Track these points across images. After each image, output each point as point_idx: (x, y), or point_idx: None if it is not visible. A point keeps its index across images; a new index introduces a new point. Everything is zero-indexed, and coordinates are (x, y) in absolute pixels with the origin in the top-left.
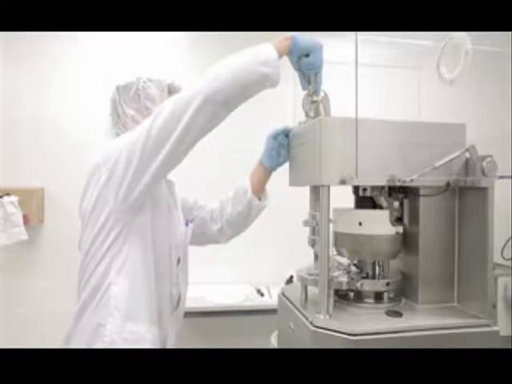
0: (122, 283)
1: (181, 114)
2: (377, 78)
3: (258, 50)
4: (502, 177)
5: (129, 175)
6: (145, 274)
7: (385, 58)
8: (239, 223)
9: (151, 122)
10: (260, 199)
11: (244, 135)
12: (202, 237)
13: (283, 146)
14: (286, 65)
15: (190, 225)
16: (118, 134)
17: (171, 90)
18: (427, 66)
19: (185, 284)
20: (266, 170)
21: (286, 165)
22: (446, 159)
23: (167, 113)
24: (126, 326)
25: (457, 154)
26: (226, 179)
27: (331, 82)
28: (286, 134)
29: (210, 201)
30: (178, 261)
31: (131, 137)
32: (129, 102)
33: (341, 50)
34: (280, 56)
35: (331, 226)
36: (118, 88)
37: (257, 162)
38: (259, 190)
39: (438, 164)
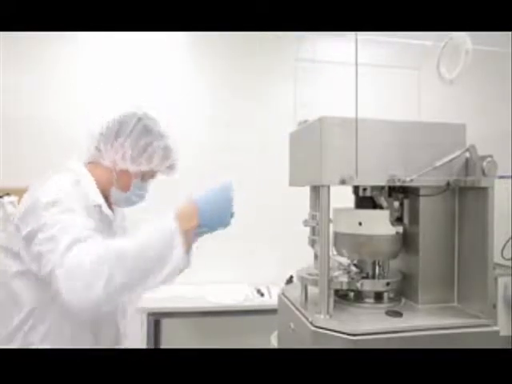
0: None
1: (90, 287)
2: (377, 78)
3: (168, 253)
4: (502, 177)
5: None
6: (73, 336)
7: (385, 58)
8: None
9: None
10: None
11: (244, 135)
12: None
13: (215, 220)
14: (287, 66)
15: None
16: (99, 151)
17: (170, 166)
18: (427, 66)
19: (124, 317)
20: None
21: (287, 164)
22: (446, 159)
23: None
24: None
25: (457, 153)
26: (225, 179)
27: (332, 81)
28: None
29: None
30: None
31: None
32: (135, 144)
33: (341, 50)
34: (189, 244)
35: (331, 225)
36: (139, 119)
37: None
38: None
39: (438, 164)
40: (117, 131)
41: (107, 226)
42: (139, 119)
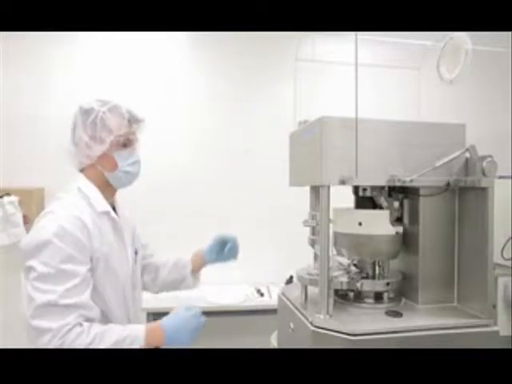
0: None
1: None
2: (377, 78)
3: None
4: (502, 177)
5: None
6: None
7: (385, 58)
8: (170, 287)
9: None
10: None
11: (245, 136)
12: None
13: (224, 254)
14: (287, 66)
15: (139, 253)
16: (80, 163)
17: (132, 120)
18: (427, 66)
19: (138, 308)
20: (203, 261)
21: (287, 165)
22: (446, 159)
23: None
24: None
25: (457, 154)
26: (225, 179)
27: (332, 82)
28: (228, 244)
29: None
30: (133, 288)
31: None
32: (85, 128)
33: (341, 50)
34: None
35: (331, 225)
36: (80, 109)
37: (200, 250)
38: (196, 271)
39: (437, 164)
40: (70, 135)
41: (118, 233)
42: (78, 109)
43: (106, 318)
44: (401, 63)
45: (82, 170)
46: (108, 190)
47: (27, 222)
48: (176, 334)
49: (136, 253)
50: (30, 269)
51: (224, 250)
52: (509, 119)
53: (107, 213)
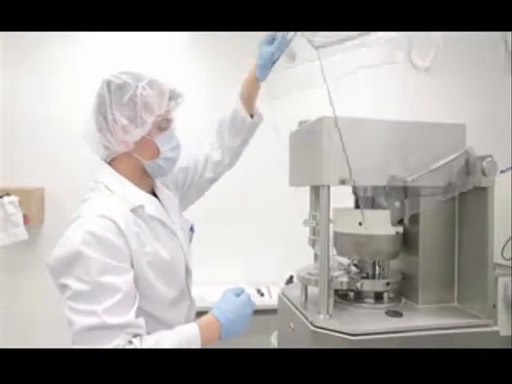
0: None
1: None
2: (373, 78)
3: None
4: (501, 171)
5: None
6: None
7: (368, 58)
8: (240, 151)
9: None
10: (252, 117)
11: None
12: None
13: (274, 55)
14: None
15: (194, 229)
16: (106, 147)
17: (172, 97)
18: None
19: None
20: (258, 83)
21: (287, 165)
22: (446, 160)
23: None
24: None
25: (456, 154)
26: (225, 179)
27: (331, 82)
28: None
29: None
30: (186, 271)
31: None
32: (121, 108)
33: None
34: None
35: (331, 225)
36: (108, 84)
37: (248, 78)
38: (252, 108)
39: (437, 165)
40: (94, 118)
41: (165, 221)
42: (105, 85)
43: (158, 321)
44: (380, 60)
45: (110, 161)
46: (144, 181)
47: (27, 221)
48: (232, 324)
49: (192, 229)
50: (65, 287)
51: (272, 44)
52: (509, 119)
53: (142, 207)
